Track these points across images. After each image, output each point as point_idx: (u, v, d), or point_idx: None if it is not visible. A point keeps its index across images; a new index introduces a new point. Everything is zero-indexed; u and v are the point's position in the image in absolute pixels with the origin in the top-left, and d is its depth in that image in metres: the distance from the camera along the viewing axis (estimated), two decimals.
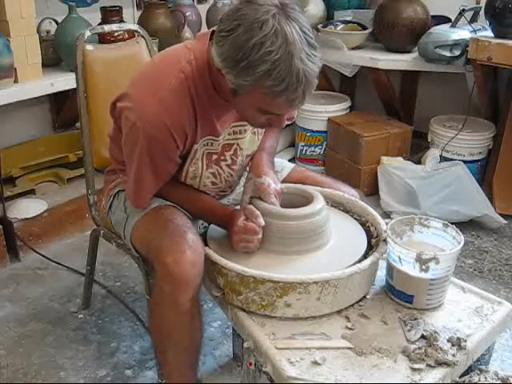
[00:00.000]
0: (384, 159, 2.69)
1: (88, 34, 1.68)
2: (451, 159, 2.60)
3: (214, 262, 1.23)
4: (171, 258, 1.20)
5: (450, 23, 2.51)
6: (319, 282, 1.15)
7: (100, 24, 2.28)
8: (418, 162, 2.70)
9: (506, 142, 2.53)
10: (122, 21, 2.38)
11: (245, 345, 1.17)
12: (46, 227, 2.29)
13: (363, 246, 1.34)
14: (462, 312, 1.23)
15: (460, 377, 1.15)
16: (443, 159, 2.63)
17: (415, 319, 1.19)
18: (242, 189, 1.40)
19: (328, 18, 3.00)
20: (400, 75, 3.09)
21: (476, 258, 2.26)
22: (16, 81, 2.13)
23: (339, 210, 1.50)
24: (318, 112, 2.91)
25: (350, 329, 1.17)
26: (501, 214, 2.43)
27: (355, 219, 1.46)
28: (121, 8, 2.38)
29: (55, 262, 2.20)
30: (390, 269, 1.25)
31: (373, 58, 2.69)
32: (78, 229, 2.39)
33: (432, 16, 2.67)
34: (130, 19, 2.80)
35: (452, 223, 1.28)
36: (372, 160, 2.70)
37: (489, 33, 2.37)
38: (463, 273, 2.14)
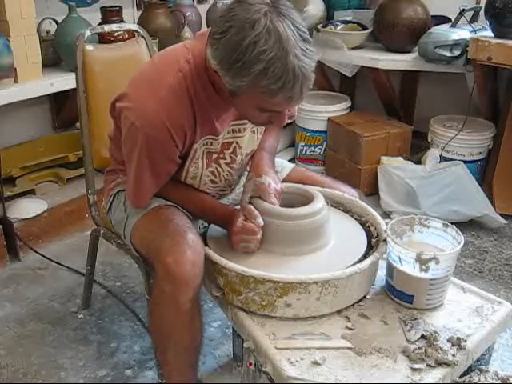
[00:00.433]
0: (384, 159, 2.69)
1: (88, 33, 1.68)
2: (451, 159, 2.60)
3: (214, 261, 1.23)
4: (171, 258, 1.20)
5: (450, 23, 2.51)
6: (319, 282, 1.15)
7: (100, 24, 2.28)
8: (418, 162, 2.70)
9: (506, 141, 2.53)
10: (122, 21, 2.38)
11: (245, 345, 1.17)
12: (46, 227, 2.29)
13: (363, 246, 1.34)
14: (461, 312, 1.23)
15: (460, 377, 1.15)
16: (443, 159, 2.63)
17: (415, 319, 1.19)
18: (243, 188, 1.40)
19: (328, 18, 3.00)
20: (400, 75, 3.09)
21: (476, 258, 2.26)
22: (16, 81, 2.13)
23: (339, 209, 1.50)
24: (318, 112, 2.91)
25: (350, 329, 1.17)
26: (501, 214, 2.43)
27: (355, 219, 1.46)
28: (121, 8, 2.38)
29: (55, 262, 2.20)
30: (390, 269, 1.25)
31: (373, 58, 2.69)
32: (77, 229, 2.39)
33: (432, 16, 2.67)
34: (130, 19, 2.80)
35: (452, 223, 1.28)
36: (372, 160, 2.70)
37: (489, 33, 2.37)
38: (463, 273, 2.14)
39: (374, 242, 1.36)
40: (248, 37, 1.06)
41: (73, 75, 1.71)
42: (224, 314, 1.35)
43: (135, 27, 1.91)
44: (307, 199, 1.35)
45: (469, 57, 2.34)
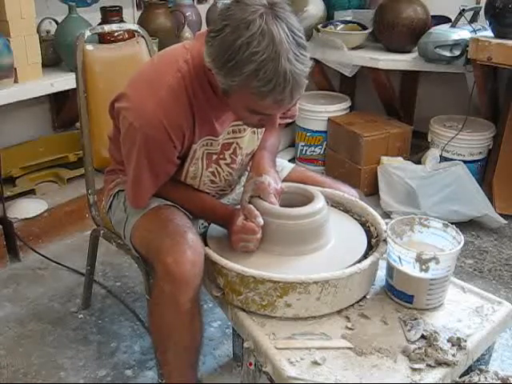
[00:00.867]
0: (384, 159, 2.69)
1: (88, 33, 1.68)
2: (451, 159, 2.60)
3: (213, 261, 1.23)
4: (171, 258, 1.20)
5: (450, 23, 2.51)
6: (319, 281, 1.15)
7: (100, 24, 2.28)
8: (418, 162, 2.70)
9: (506, 141, 2.53)
10: (122, 21, 2.38)
11: (245, 345, 1.17)
12: (46, 227, 2.29)
13: (363, 245, 1.34)
14: (461, 312, 1.23)
15: (460, 377, 1.15)
16: (443, 159, 2.63)
17: (415, 319, 1.19)
18: (243, 188, 1.40)
19: (328, 18, 3.00)
20: (400, 75, 3.09)
21: (476, 258, 2.26)
22: (16, 81, 2.13)
23: (339, 209, 1.50)
24: (318, 112, 2.91)
25: (350, 329, 1.17)
26: (501, 214, 2.43)
27: (355, 219, 1.46)
28: (121, 8, 2.38)
29: (55, 262, 2.20)
30: (390, 269, 1.25)
31: (373, 58, 2.69)
32: (78, 229, 2.39)
33: (432, 16, 2.67)
34: (130, 19, 2.80)
35: (452, 223, 1.28)
36: (372, 160, 2.70)
37: (489, 33, 2.36)
38: (463, 273, 2.14)
39: (374, 241, 1.36)
40: (242, 37, 1.06)
41: (73, 75, 1.71)
42: (224, 313, 1.35)
43: (135, 27, 1.91)
44: (307, 199, 1.34)
45: (469, 57, 2.34)
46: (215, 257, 1.23)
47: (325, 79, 3.20)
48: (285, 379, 1.05)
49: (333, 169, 2.87)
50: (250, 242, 1.27)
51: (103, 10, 2.36)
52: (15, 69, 2.10)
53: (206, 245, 1.32)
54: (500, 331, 1.26)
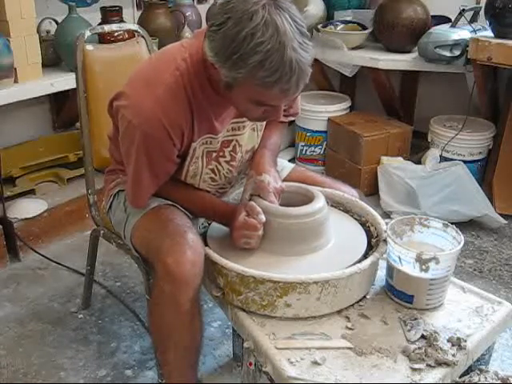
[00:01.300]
0: (384, 159, 2.69)
1: (88, 33, 1.68)
2: (451, 159, 2.60)
3: (214, 261, 1.23)
4: (172, 258, 1.20)
5: (450, 23, 2.51)
6: (319, 282, 1.15)
7: (100, 24, 2.28)
8: (418, 162, 2.70)
9: (506, 141, 2.53)
10: (122, 21, 2.38)
11: (245, 345, 1.17)
12: (46, 227, 2.29)
13: (363, 245, 1.34)
14: (461, 312, 1.23)
15: (460, 377, 1.15)
16: (443, 159, 2.63)
17: (415, 319, 1.19)
18: (243, 188, 1.40)
19: (328, 18, 3.00)
20: (400, 75, 3.09)
21: (476, 258, 2.26)
22: (16, 81, 2.13)
23: (339, 209, 1.50)
24: (318, 112, 2.90)
25: (350, 329, 1.17)
26: (501, 214, 2.43)
27: (355, 219, 1.46)
28: (121, 8, 2.38)
29: (55, 262, 2.20)
30: (390, 269, 1.25)
31: (373, 57, 2.69)
32: (78, 229, 2.39)
33: (432, 16, 2.67)
34: (130, 19, 2.80)
35: (452, 223, 1.28)
36: (372, 160, 2.70)
37: (489, 33, 2.36)
38: (463, 273, 2.14)
39: (374, 241, 1.36)
40: (246, 28, 1.06)
41: (73, 75, 1.71)
42: (224, 314, 1.35)
43: (135, 27, 1.91)
44: (308, 198, 1.34)
45: (469, 57, 2.34)
46: (215, 257, 1.23)
47: (325, 79, 3.20)
48: (285, 379, 1.05)
49: (333, 169, 2.87)
50: (252, 238, 1.27)
51: (103, 10, 2.36)
52: (15, 69, 2.10)
53: (206, 245, 1.32)
54: (500, 331, 1.26)
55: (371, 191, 2.69)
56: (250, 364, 1.18)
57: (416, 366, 1.07)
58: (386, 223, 1.33)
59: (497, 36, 2.30)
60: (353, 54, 2.76)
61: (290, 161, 2.43)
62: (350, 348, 1.12)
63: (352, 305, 1.24)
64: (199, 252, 1.23)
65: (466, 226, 2.40)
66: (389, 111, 3.09)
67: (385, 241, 1.29)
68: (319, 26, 2.86)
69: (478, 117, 2.69)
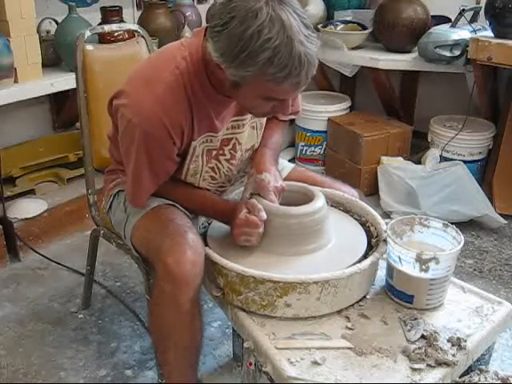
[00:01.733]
0: (384, 159, 2.69)
1: (88, 34, 1.68)
2: (451, 159, 2.60)
3: (214, 261, 1.23)
4: (172, 258, 1.20)
5: (450, 23, 2.51)
6: (319, 282, 1.15)
7: (100, 24, 2.28)
8: (418, 162, 2.70)
9: (506, 141, 2.53)
10: (122, 21, 2.38)
11: (245, 345, 1.17)
12: (46, 227, 2.29)
13: (363, 245, 1.34)
14: (461, 312, 1.23)
15: (460, 377, 1.15)
16: (443, 159, 2.63)
17: (415, 319, 1.19)
18: (243, 188, 1.40)
19: (328, 18, 3.00)
20: (400, 75, 3.09)
21: (476, 258, 2.26)
22: (16, 81, 2.13)
23: (339, 209, 1.50)
24: (318, 112, 2.91)
25: (350, 329, 1.17)
26: (501, 214, 2.43)
27: (355, 219, 1.46)
28: (121, 8, 2.38)
29: (55, 262, 2.20)
30: (390, 269, 1.25)
31: (373, 57, 2.69)
32: (78, 229, 2.39)
33: (432, 16, 2.67)
34: (130, 19, 2.80)
35: (452, 223, 1.28)
36: (372, 160, 2.70)
37: (489, 33, 2.36)
38: (463, 273, 2.14)
39: (374, 242, 1.36)
40: (252, 26, 1.06)
41: (73, 75, 1.71)
42: (224, 314, 1.35)
43: (135, 27, 1.91)
44: (308, 198, 1.34)
45: (469, 57, 2.34)
46: (215, 257, 1.23)
47: (325, 79, 3.20)
48: (285, 379, 1.05)
49: (333, 169, 2.87)
50: (253, 235, 1.27)
51: (103, 10, 2.36)
52: (15, 69, 2.10)
53: (206, 245, 1.32)
54: (500, 331, 1.26)
55: (371, 191, 2.69)
56: (250, 364, 1.18)
57: (416, 365, 1.07)
58: (386, 223, 1.33)
59: (497, 36, 2.30)
60: (353, 53, 2.76)
61: (289, 161, 2.43)
62: (350, 348, 1.12)
63: (352, 305, 1.24)
64: (199, 252, 1.23)
65: (466, 226, 2.40)
66: (389, 111, 3.09)
67: (385, 241, 1.29)
68: (319, 26, 2.86)
69: (478, 117, 2.69)
